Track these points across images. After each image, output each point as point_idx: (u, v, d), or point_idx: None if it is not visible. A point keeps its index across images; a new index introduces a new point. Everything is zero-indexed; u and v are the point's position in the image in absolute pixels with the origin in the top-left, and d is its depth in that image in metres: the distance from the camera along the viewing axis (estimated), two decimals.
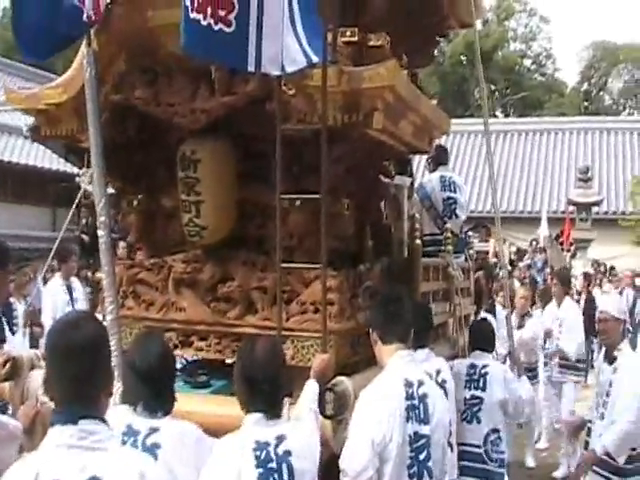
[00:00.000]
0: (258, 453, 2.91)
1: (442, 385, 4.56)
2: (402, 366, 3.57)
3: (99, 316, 3.42)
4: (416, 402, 3.47)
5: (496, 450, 5.22)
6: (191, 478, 2.96)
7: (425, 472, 3.48)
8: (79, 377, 2.16)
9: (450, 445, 3.84)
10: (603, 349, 5.82)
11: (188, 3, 3.30)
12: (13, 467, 2.18)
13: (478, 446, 5.19)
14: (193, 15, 3.31)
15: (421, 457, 3.45)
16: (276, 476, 2.91)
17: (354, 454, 3.36)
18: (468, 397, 5.25)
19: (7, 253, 4.50)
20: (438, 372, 4.69)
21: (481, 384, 5.28)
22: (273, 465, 2.92)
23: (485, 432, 5.21)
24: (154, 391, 3.08)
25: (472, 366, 5.35)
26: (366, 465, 3.32)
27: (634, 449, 5.18)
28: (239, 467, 2.87)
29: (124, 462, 2.18)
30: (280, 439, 2.98)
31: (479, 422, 5.23)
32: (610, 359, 5.50)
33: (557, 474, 8.53)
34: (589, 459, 5.28)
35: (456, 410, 5.00)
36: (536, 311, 9.90)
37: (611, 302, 6.04)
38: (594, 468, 5.25)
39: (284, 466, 2.94)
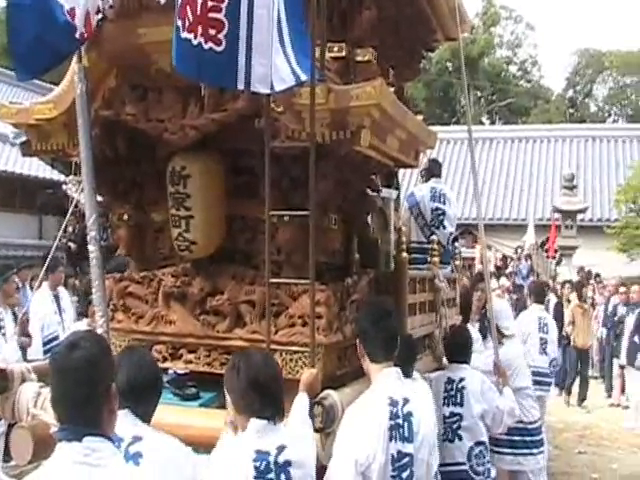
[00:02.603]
0: (257, 464, 2.96)
1: None
2: (388, 384, 3.58)
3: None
4: (400, 421, 3.47)
5: (482, 463, 5.23)
6: None
7: None
8: (79, 398, 2.24)
9: None
10: None
11: (179, 23, 3.35)
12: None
13: (463, 463, 5.20)
14: (184, 35, 3.35)
15: (404, 475, 3.46)
16: None
17: (337, 474, 3.38)
18: (447, 414, 5.27)
19: None
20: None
21: (459, 399, 5.30)
22: (272, 476, 2.97)
23: (468, 447, 5.22)
24: (137, 400, 3.10)
25: (449, 381, 5.37)
26: None
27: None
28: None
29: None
30: (281, 449, 3.02)
31: (460, 439, 5.24)
32: None
33: None
34: None
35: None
36: None
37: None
38: None
39: (282, 477, 2.99)
